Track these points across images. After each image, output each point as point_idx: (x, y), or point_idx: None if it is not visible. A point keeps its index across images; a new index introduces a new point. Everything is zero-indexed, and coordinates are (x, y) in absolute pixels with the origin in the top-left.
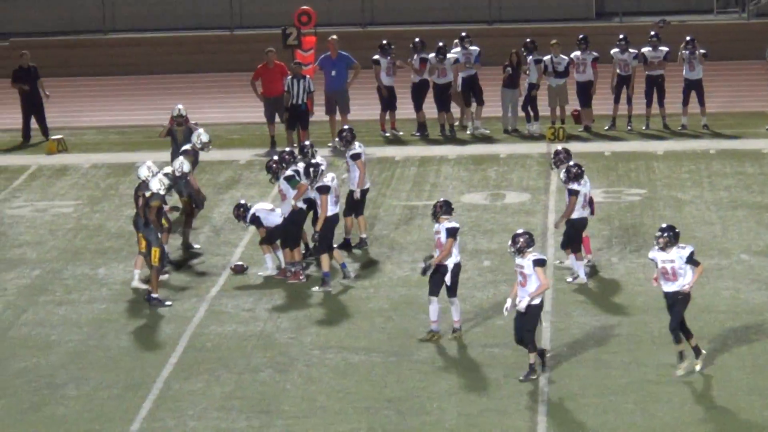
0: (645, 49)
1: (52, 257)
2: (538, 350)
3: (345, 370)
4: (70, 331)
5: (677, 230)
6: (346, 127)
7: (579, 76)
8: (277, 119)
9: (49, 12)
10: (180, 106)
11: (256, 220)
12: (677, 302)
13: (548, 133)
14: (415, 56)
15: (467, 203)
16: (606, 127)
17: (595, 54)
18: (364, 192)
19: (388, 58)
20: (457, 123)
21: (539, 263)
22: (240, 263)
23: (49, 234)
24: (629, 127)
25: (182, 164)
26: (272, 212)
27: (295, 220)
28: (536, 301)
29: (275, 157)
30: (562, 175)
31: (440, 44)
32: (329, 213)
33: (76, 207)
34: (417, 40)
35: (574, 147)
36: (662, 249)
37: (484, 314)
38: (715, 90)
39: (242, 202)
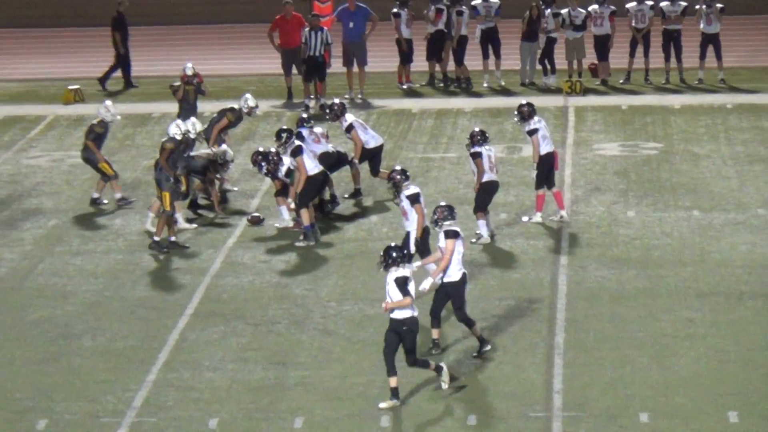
0: (663, 4)
1: (69, 207)
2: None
3: (361, 321)
4: (87, 282)
5: (405, 252)
6: (336, 100)
7: (596, 29)
8: (295, 71)
9: None
10: (190, 65)
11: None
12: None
13: (565, 87)
14: (432, 7)
15: None
16: (621, 81)
17: (612, 8)
18: (375, 149)
19: (406, 10)
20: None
21: (447, 235)
22: (257, 214)
23: (65, 184)
24: (648, 80)
25: (225, 153)
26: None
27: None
28: (451, 278)
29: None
30: (467, 141)
31: None
32: (310, 172)
33: None
34: None
35: (591, 100)
36: (385, 269)
37: (500, 267)
38: (732, 44)
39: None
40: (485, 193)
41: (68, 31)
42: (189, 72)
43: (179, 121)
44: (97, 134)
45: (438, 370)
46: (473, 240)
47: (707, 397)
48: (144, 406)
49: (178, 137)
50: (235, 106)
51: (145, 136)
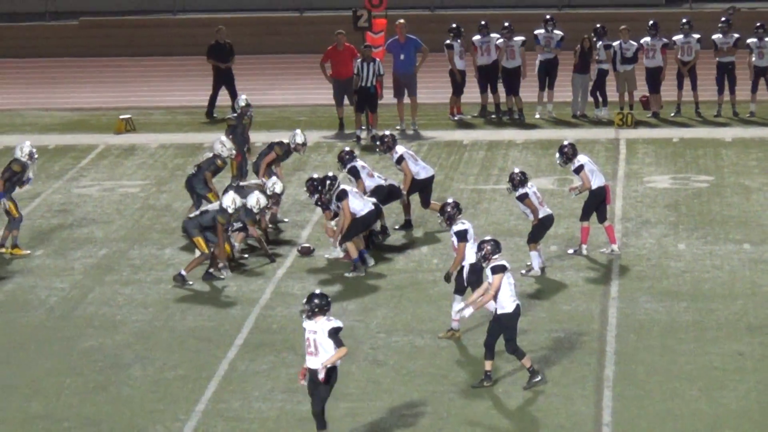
0: (715, 36)
1: (119, 237)
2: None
3: (411, 353)
4: (136, 311)
5: (329, 299)
6: (387, 132)
7: (648, 61)
8: (346, 101)
9: None
10: (244, 96)
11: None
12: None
13: (616, 119)
14: (478, 37)
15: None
16: (672, 114)
17: (664, 40)
18: (426, 180)
19: (459, 41)
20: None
21: (494, 270)
22: (307, 245)
23: (116, 214)
24: (698, 113)
25: (275, 184)
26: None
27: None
28: (505, 310)
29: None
30: (507, 185)
31: (506, 24)
32: (358, 214)
33: (144, 187)
34: (483, 22)
35: (643, 133)
36: (309, 317)
37: (550, 299)
38: None
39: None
40: (542, 227)
41: (119, 61)
42: (242, 103)
43: (235, 196)
44: (217, 167)
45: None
46: (523, 271)
47: (756, 430)
48: None
49: (231, 211)
50: (285, 140)
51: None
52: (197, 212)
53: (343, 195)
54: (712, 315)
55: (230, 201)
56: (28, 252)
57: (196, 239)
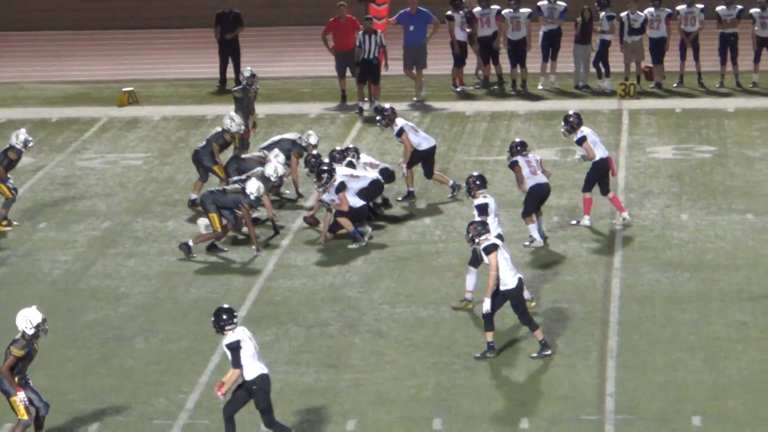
0: (719, 8)
1: (122, 209)
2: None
3: (414, 324)
4: (139, 284)
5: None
6: (387, 105)
7: (652, 32)
8: (349, 73)
9: None
10: (249, 68)
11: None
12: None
13: (619, 90)
14: (478, 9)
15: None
16: (674, 84)
17: (668, 11)
18: (428, 151)
19: (461, 13)
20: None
21: (487, 250)
22: (313, 214)
23: (118, 186)
24: (701, 84)
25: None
26: (356, 179)
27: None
28: (508, 286)
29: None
30: (507, 152)
31: None
32: (355, 205)
33: (146, 159)
34: None
35: (646, 104)
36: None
37: (553, 270)
38: None
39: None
40: (534, 198)
41: (121, 33)
42: (247, 74)
43: (260, 184)
44: (225, 142)
45: None
46: (526, 243)
47: (760, 400)
48: (196, 408)
49: (253, 198)
50: (296, 140)
51: (199, 138)
52: (218, 189)
53: (341, 187)
54: (715, 285)
55: (255, 189)
56: (9, 228)
57: (211, 215)
